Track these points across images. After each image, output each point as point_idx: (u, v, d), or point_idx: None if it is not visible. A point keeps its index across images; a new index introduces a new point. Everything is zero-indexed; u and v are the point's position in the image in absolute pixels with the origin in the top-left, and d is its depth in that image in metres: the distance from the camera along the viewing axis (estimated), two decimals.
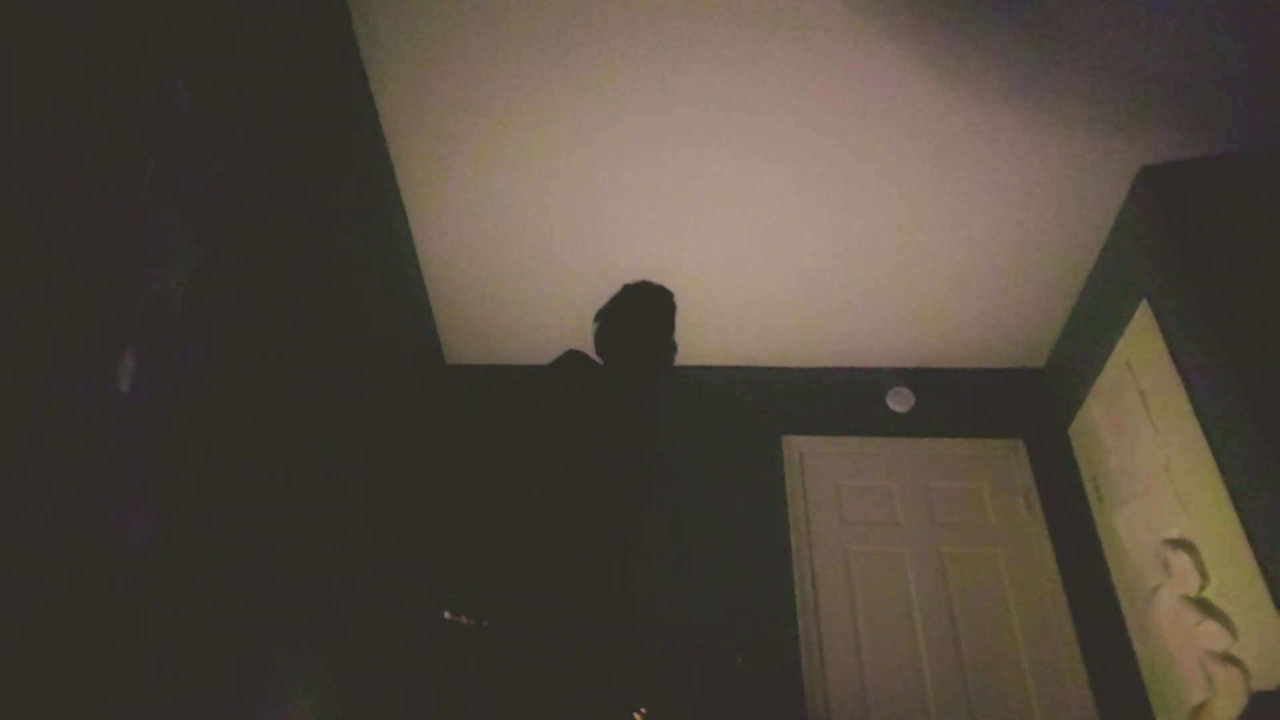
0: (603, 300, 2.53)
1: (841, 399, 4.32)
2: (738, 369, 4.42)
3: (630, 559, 2.14)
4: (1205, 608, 3.05)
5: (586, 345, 2.45)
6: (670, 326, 2.43)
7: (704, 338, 4.28)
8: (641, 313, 2.39)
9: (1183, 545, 3.18)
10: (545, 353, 4.35)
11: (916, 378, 4.35)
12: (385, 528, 3.60)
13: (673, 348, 2.43)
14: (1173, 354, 3.24)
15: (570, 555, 1.99)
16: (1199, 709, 3.08)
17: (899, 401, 4.28)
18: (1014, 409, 4.25)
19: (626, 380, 2.33)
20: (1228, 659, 2.94)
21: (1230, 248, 3.17)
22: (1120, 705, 3.46)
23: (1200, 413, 3.08)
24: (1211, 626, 3.00)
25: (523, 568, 1.98)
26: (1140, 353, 3.45)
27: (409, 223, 3.75)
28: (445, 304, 4.16)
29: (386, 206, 3.53)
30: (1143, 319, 3.41)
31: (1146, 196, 3.37)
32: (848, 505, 4.04)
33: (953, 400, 4.29)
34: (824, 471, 4.12)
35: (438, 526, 3.81)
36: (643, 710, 2.04)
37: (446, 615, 1.98)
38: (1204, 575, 3.07)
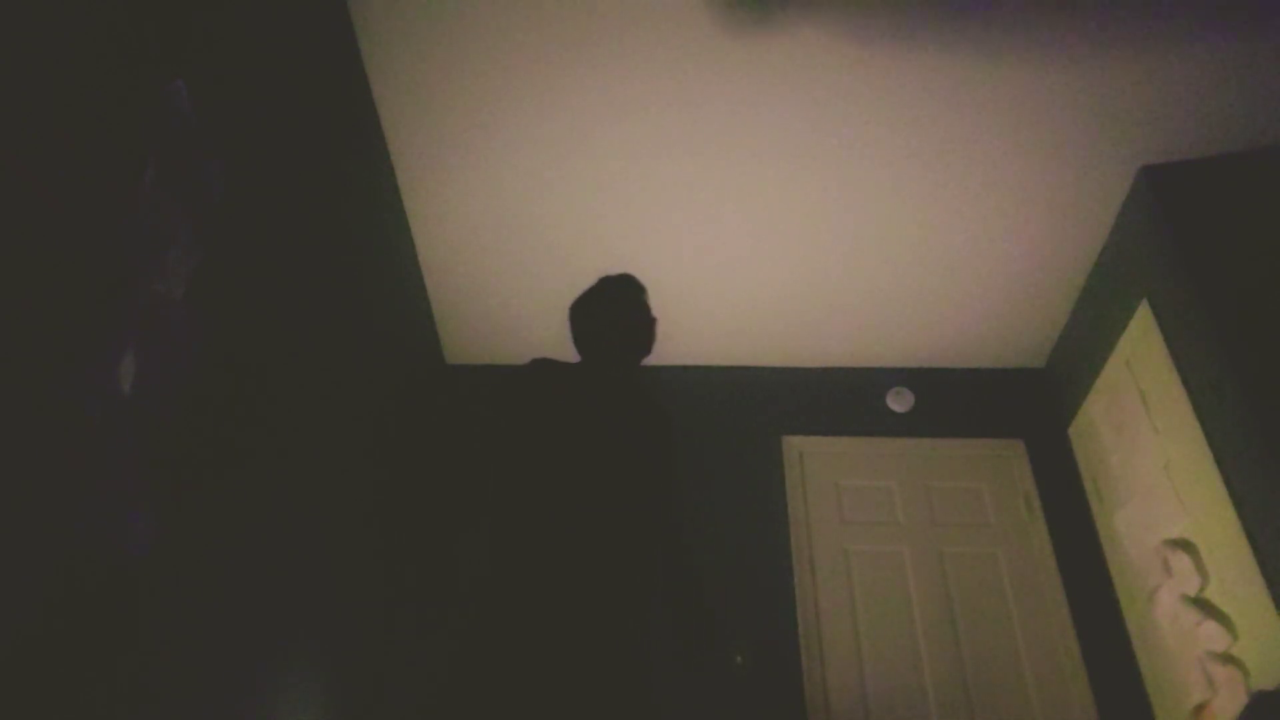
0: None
1: (841, 399, 4.32)
2: (738, 369, 4.42)
3: (638, 555, 2.09)
4: (1205, 608, 3.05)
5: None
6: (649, 315, 2.37)
7: (704, 338, 4.27)
8: (623, 303, 2.36)
9: (1183, 545, 3.18)
10: (545, 353, 4.35)
11: (916, 378, 4.35)
12: (388, 528, 3.60)
13: (650, 334, 2.35)
14: (1173, 354, 3.24)
15: (563, 556, 1.97)
16: (1199, 709, 3.08)
17: (899, 401, 4.27)
18: (1014, 409, 4.25)
19: (612, 370, 2.28)
20: (1228, 659, 2.94)
21: (1230, 248, 3.17)
22: (1120, 705, 3.46)
23: (1200, 413, 3.08)
24: (1211, 626, 3.00)
25: (516, 571, 1.97)
26: (1140, 353, 3.44)
27: (409, 223, 3.75)
28: (445, 304, 4.16)
29: (386, 206, 3.53)
30: (1143, 319, 3.41)
31: (1146, 196, 3.37)
32: (848, 505, 4.04)
33: (953, 400, 4.29)
34: (824, 471, 4.12)
35: (435, 528, 3.80)
36: None
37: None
38: (1204, 575, 3.07)
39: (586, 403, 2.20)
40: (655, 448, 2.25)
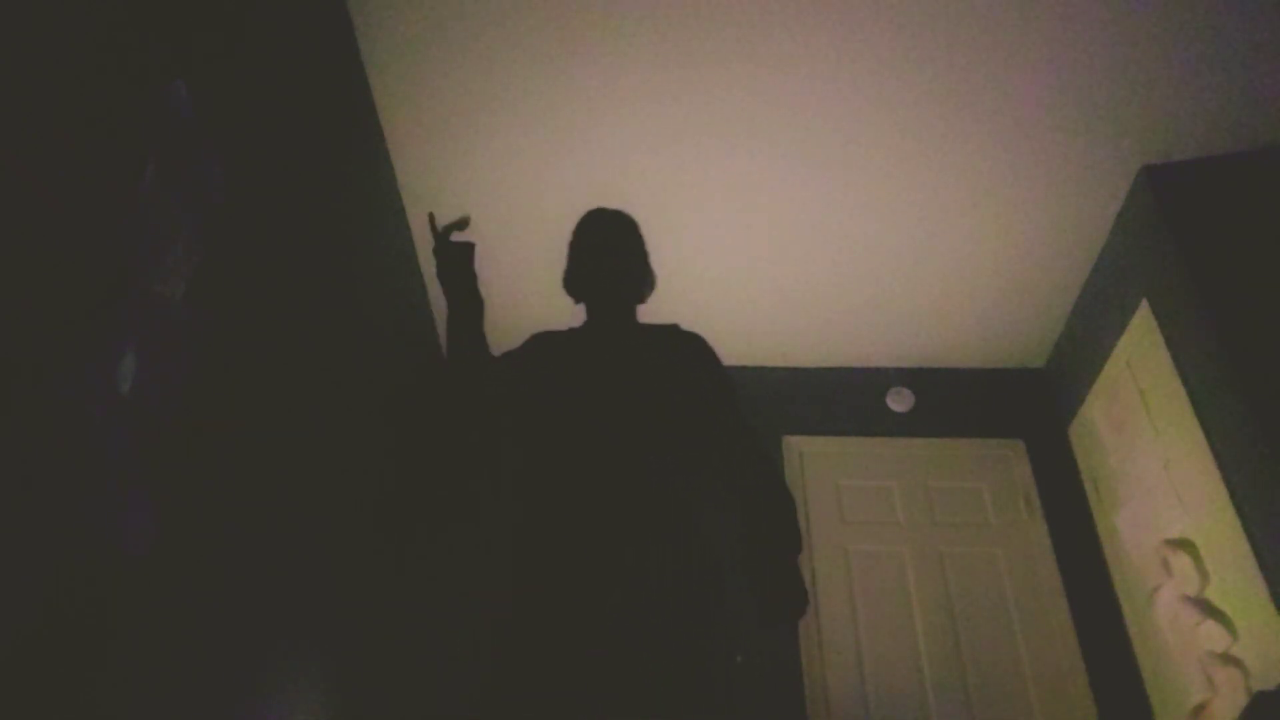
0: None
1: (841, 399, 4.32)
2: (738, 369, 4.38)
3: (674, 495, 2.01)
4: (1205, 608, 3.05)
5: None
6: (631, 244, 2.26)
7: (705, 337, 4.27)
8: (595, 238, 2.25)
9: (1183, 545, 3.18)
10: None
11: (916, 378, 4.35)
12: (389, 527, 3.60)
13: (636, 268, 2.25)
14: (1173, 354, 3.24)
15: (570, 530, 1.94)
16: (1199, 709, 3.08)
17: (899, 401, 4.27)
18: (1014, 409, 4.25)
19: (604, 316, 2.20)
20: (1228, 659, 2.94)
21: (1230, 248, 3.17)
22: (1120, 705, 3.46)
23: (1200, 413, 3.08)
24: (1211, 626, 3.00)
25: (529, 556, 1.94)
26: (1140, 353, 3.44)
27: (409, 222, 3.75)
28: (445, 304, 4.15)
29: (386, 207, 3.53)
30: (1143, 319, 3.41)
31: (1146, 196, 3.37)
32: (848, 505, 4.04)
33: (953, 400, 4.29)
34: (824, 471, 4.12)
35: (439, 525, 3.80)
36: None
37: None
38: (1204, 575, 3.07)
39: (588, 358, 2.12)
40: (683, 374, 2.16)
